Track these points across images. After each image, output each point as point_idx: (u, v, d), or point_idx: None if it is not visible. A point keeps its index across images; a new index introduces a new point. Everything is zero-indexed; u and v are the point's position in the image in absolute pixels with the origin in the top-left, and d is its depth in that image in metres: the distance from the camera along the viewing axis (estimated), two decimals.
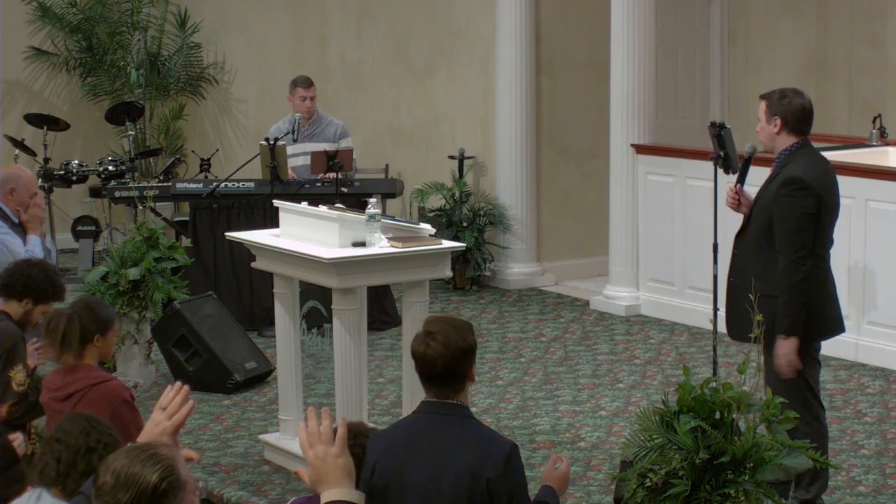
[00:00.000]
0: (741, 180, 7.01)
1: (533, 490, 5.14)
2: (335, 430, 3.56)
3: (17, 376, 6.43)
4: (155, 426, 3.94)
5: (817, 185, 6.62)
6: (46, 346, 6.19)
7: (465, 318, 4.99)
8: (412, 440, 4.78)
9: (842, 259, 9.99)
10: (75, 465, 4.38)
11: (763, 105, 6.78)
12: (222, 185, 11.19)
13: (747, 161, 7.19)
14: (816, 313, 6.74)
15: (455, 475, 4.67)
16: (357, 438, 4.77)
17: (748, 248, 6.79)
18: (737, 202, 6.93)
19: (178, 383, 4.04)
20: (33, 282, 6.62)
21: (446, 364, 4.72)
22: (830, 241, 6.84)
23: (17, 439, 6.00)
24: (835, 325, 6.93)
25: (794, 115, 6.70)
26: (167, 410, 3.95)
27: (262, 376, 9.73)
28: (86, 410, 5.87)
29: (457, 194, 12.55)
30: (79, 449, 4.41)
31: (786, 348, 6.63)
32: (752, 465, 5.41)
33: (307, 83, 11.45)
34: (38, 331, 6.93)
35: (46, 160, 13.22)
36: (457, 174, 12.63)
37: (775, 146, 6.76)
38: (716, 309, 8.17)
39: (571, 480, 7.70)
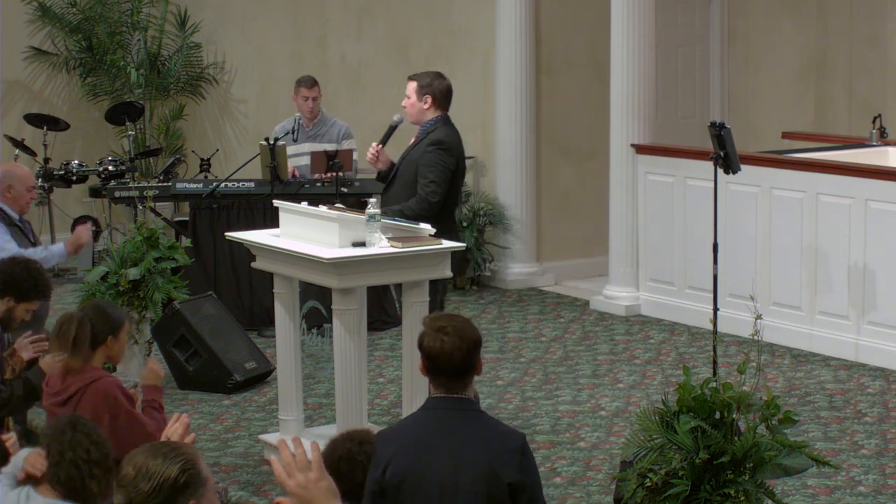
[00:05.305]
0: (384, 142, 8.31)
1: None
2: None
3: None
4: None
5: (456, 150, 8.15)
6: (54, 348, 6.18)
7: (466, 318, 4.97)
8: (425, 437, 4.74)
9: (842, 259, 10.01)
10: (85, 484, 4.50)
11: (414, 85, 8.16)
12: (222, 185, 11.19)
13: (393, 129, 8.40)
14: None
15: (474, 472, 4.65)
16: (362, 446, 4.75)
17: (395, 198, 8.16)
18: (376, 158, 8.28)
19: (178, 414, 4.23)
20: (14, 279, 6.58)
21: (463, 356, 4.71)
22: (459, 200, 8.56)
23: (9, 440, 5.96)
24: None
25: (442, 93, 8.17)
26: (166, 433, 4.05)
27: (262, 376, 9.73)
28: (85, 412, 5.90)
29: None
30: (82, 477, 4.52)
31: None
32: (752, 465, 5.42)
33: (310, 83, 11.45)
34: (30, 327, 6.93)
35: (46, 160, 13.21)
36: None
37: (423, 118, 8.16)
38: (716, 309, 8.18)
39: (571, 480, 7.72)
